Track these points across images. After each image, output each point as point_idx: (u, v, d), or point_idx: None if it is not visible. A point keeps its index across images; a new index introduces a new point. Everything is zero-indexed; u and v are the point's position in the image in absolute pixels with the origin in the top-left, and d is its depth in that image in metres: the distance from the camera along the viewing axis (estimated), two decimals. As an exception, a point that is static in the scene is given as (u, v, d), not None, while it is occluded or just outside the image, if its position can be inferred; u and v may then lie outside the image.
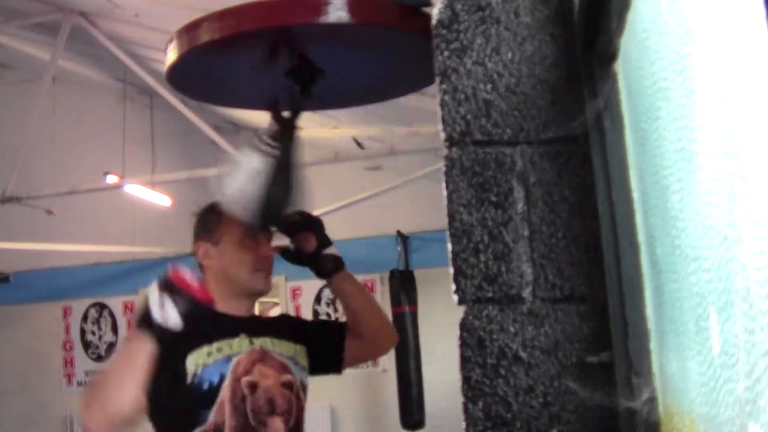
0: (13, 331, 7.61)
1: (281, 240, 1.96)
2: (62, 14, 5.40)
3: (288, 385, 1.83)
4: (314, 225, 1.97)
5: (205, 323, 1.74)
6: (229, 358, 1.77)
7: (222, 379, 1.74)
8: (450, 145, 1.03)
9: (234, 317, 1.85)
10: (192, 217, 1.97)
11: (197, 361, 1.73)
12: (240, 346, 1.80)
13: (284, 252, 1.96)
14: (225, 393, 1.73)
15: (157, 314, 1.57)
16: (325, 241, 1.96)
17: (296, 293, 7.09)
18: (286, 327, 1.98)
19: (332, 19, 1.53)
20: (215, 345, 1.76)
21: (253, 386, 1.77)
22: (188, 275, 1.62)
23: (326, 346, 1.97)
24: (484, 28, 1.05)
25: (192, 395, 1.72)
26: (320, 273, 1.97)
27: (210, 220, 1.90)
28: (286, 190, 1.74)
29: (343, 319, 2.04)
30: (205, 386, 1.72)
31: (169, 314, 1.57)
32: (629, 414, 0.87)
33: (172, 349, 1.61)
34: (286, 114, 1.76)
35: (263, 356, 1.82)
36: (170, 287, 1.60)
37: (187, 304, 1.58)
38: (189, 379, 1.72)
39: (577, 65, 1.00)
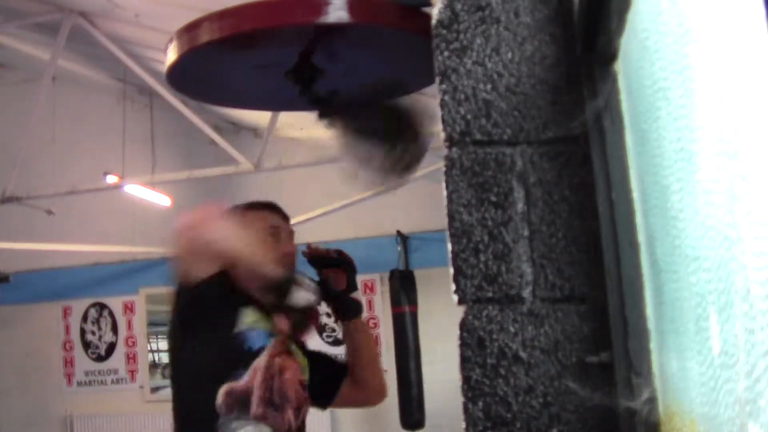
0: (13, 331, 7.61)
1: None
2: (62, 14, 5.40)
3: (303, 386, 1.87)
4: (348, 266, 2.01)
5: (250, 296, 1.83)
6: (270, 335, 1.82)
7: (262, 349, 1.78)
8: (450, 145, 1.03)
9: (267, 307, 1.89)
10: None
11: (247, 319, 1.79)
12: (275, 329, 1.84)
13: (313, 283, 1.98)
14: (261, 362, 1.77)
15: (296, 296, 1.76)
16: (354, 286, 2.01)
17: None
18: (299, 343, 2.02)
19: (332, 19, 1.53)
20: (262, 315, 1.81)
21: (282, 370, 1.81)
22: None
23: (323, 380, 1.99)
24: (484, 28, 1.05)
25: (233, 348, 1.76)
26: (340, 314, 2.03)
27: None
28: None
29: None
30: (246, 346, 1.77)
31: (300, 298, 1.78)
32: (629, 414, 0.87)
33: (232, 295, 1.75)
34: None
35: (288, 351, 1.86)
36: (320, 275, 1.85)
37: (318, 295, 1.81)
38: (235, 329, 1.77)
39: (577, 65, 1.00)
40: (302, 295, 1.83)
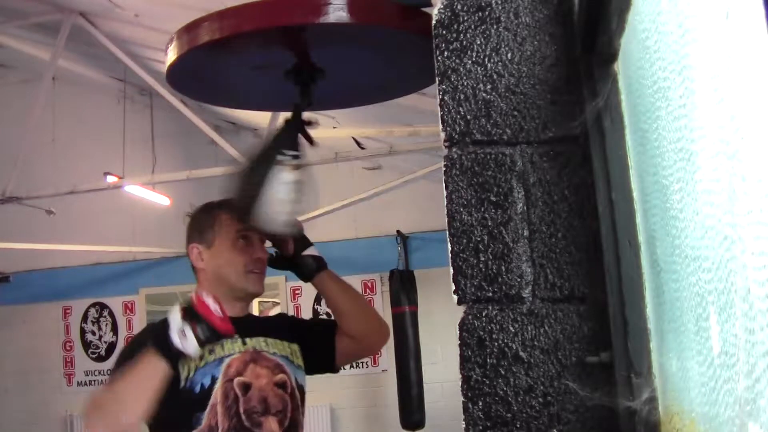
0: (13, 331, 7.61)
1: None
2: (62, 14, 5.40)
3: (281, 385, 1.83)
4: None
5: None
6: (221, 360, 1.77)
7: (214, 381, 1.74)
8: (450, 145, 1.03)
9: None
10: (185, 219, 1.98)
11: (189, 365, 1.74)
12: (232, 347, 1.80)
13: (268, 258, 1.96)
14: (217, 395, 1.73)
15: (177, 341, 1.63)
16: (304, 243, 1.96)
17: (296, 293, 7.09)
18: (281, 326, 1.98)
19: (332, 19, 1.53)
20: (207, 347, 1.75)
21: (246, 386, 1.77)
22: (212, 304, 1.66)
23: (318, 345, 1.96)
24: (484, 28, 1.05)
25: (185, 399, 1.72)
26: (302, 275, 1.98)
27: (203, 222, 1.91)
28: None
29: None
30: (197, 389, 1.73)
31: (189, 342, 1.63)
32: (629, 414, 0.87)
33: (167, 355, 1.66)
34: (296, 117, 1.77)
35: (256, 356, 1.82)
36: (193, 316, 1.64)
37: (207, 334, 1.64)
38: (182, 383, 1.72)
39: (577, 65, 1.00)
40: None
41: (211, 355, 1.76)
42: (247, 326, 1.87)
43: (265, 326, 1.95)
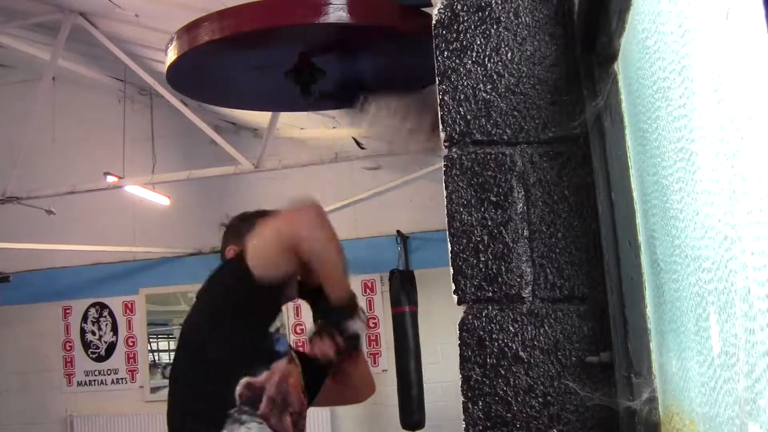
0: (13, 331, 7.60)
1: None
2: (62, 14, 5.39)
3: (304, 392, 1.92)
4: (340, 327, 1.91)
5: None
6: (288, 344, 1.90)
7: (284, 353, 1.84)
8: (450, 145, 1.03)
9: None
10: (221, 227, 2.06)
11: (279, 322, 1.85)
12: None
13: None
14: (281, 365, 1.82)
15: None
16: (353, 346, 1.92)
17: (296, 293, 7.08)
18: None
19: (332, 19, 1.53)
20: (284, 322, 1.86)
21: (289, 376, 1.85)
22: None
23: (306, 378, 1.99)
24: (484, 28, 1.05)
25: (266, 345, 1.81)
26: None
27: (239, 227, 1.98)
28: None
29: None
30: (276, 347, 1.83)
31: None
32: (629, 414, 0.87)
33: (276, 294, 1.78)
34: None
35: (291, 356, 1.91)
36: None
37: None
38: (272, 329, 1.82)
39: (577, 65, 1.00)
40: (356, 324, 1.83)
41: (284, 331, 1.89)
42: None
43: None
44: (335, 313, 1.83)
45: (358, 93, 1.70)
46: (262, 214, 1.96)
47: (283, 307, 1.94)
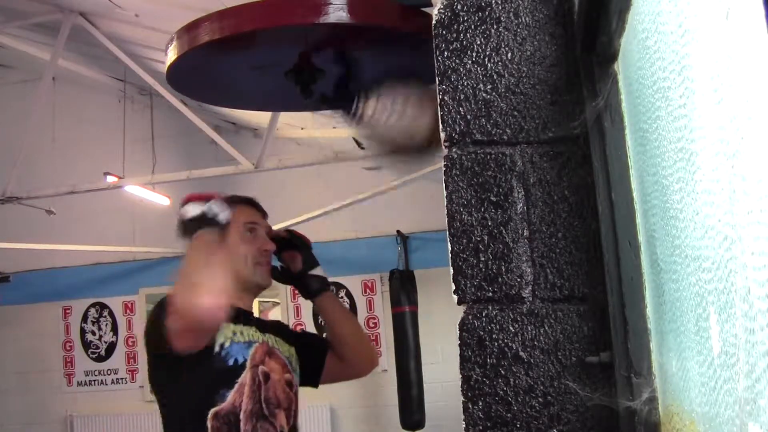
0: (13, 331, 7.60)
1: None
2: (62, 14, 5.39)
3: (289, 384, 1.86)
4: (301, 245, 2.01)
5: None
6: (249, 344, 1.79)
7: (243, 361, 1.76)
8: (450, 145, 1.03)
9: (244, 309, 1.87)
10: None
11: (225, 334, 1.74)
12: (254, 335, 1.82)
13: (272, 270, 1.97)
14: (246, 376, 1.75)
15: (210, 212, 1.67)
16: (312, 262, 2.00)
17: (296, 293, 7.08)
18: (284, 330, 2.02)
19: (332, 19, 1.53)
20: (237, 327, 1.78)
21: (266, 376, 1.80)
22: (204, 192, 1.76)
23: (308, 359, 1.99)
24: (484, 28, 1.05)
25: (215, 369, 1.72)
26: (305, 293, 2.03)
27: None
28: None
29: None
30: (231, 362, 1.74)
31: (220, 211, 1.69)
32: (629, 414, 0.87)
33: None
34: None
35: (270, 351, 1.84)
36: (206, 198, 1.71)
37: (219, 205, 1.70)
38: (216, 348, 1.72)
39: (577, 65, 1.00)
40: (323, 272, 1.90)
41: (241, 336, 1.78)
42: (258, 322, 1.90)
43: (272, 326, 1.97)
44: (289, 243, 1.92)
45: (355, 95, 1.70)
46: (234, 200, 1.86)
47: (255, 305, 1.87)
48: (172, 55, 1.63)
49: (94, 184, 6.04)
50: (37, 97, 5.71)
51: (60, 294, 7.59)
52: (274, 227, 2.00)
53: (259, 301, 8.65)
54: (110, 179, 6.15)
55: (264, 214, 1.95)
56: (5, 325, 7.59)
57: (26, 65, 7.24)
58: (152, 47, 5.40)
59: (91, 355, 7.58)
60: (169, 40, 1.65)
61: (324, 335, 2.15)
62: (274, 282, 1.99)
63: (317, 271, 2.00)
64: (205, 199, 1.70)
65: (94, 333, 7.62)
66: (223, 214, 1.69)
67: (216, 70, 1.78)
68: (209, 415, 1.69)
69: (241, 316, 1.83)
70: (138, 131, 7.10)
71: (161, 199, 6.74)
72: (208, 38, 1.56)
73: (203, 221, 1.68)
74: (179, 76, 1.77)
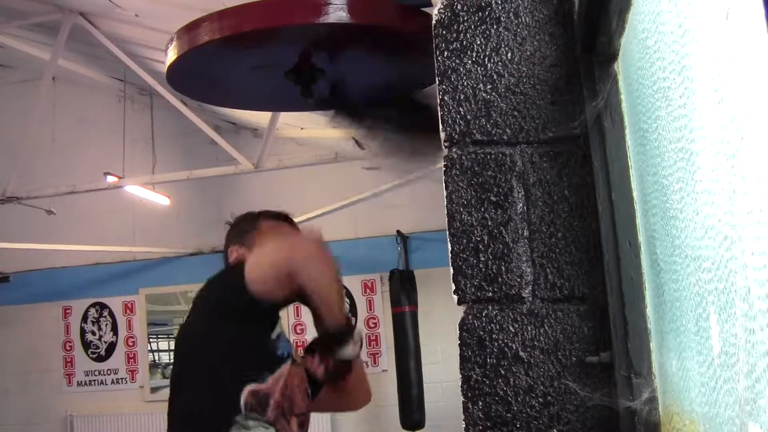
0: (13, 331, 7.60)
1: None
2: (62, 14, 5.39)
3: (306, 393, 1.90)
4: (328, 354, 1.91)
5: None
6: (290, 344, 1.89)
7: (288, 357, 1.84)
8: (450, 145, 1.03)
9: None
10: (225, 225, 2.05)
11: (280, 328, 1.86)
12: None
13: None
14: (285, 369, 1.82)
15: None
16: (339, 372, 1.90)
17: (296, 293, 7.08)
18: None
19: (332, 19, 1.53)
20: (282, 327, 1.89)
21: (292, 378, 1.85)
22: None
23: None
24: (484, 28, 1.05)
25: (267, 353, 1.81)
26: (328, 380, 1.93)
27: (243, 227, 1.99)
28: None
29: None
30: (279, 352, 1.83)
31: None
32: (629, 414, 0.87)
33: (275, 307, 1.82)
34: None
35: (294, 357, 1.89)
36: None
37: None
38: (273, 335, 1.82)
39: (577, 65, 1.00)
40: (348, 349, 1.83)
41: (286, 334, 1.89)
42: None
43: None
44: (329, 338, 1.84)
45: (356, 105, 1.72)
46: (266, 215, 1.98)
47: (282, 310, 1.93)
48: (172, 55, 1.63)
49: (94, 184, 6.04)
50: (37, 97, 5.71)
51: (60, 294, 7.59)
52: None
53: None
54: (110, 179, 6.15)
55: (296, 228, 2.05)
56: (5, 325, 7.59)
57: (26, 65, 7.24)
58: (152, 47, 5.40)
59: (91, 355, 7.58)
60: (169, 40, 1.65)
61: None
62: None
63: (346, 354, 1.86)
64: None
65: (94, 333, 7.62)
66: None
67: (216, 70, 1.78)
68: (247, 389, 1.75)
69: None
70: (138, 131, 7.10)
71: (161, 199, 6.74)
72: (208, 38, 1.56)
73: (261, 214, 1.87)
74: (179, 76, 1.77)
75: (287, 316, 6.92)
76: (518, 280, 0.99)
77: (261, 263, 1.76)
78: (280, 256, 1.78)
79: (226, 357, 1.80)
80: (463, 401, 0.98)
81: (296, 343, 6.24)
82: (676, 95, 0.63)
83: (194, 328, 1.89)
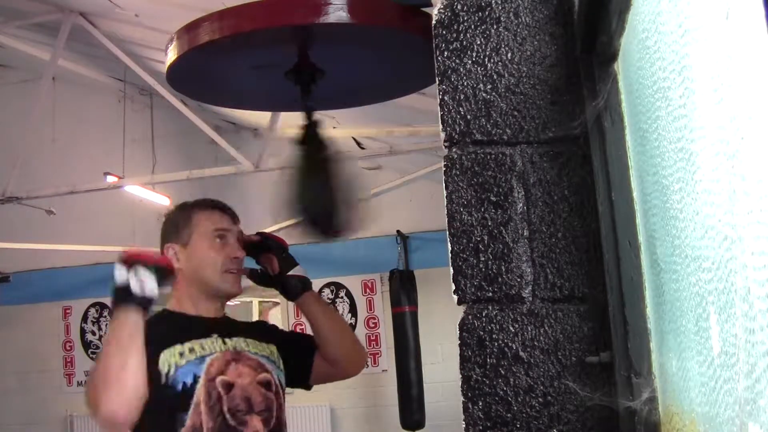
0: (13, 331, 7.61)
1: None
2: (62, 14, 5.40)
3: (265, 384, 1.81)
4: (275, 247, 1.96)
5: (175, 324, 1.77)
6: (202, 359, 1.74)
7: (196, 379, 1.71)
8: (450, 145, 1.03)
9: (205, 318, 1.83)
10: (160, 219, 1.94)
11: (169, 361, 1.70)
12: (213, 346, 1.78)
13: (252, 273, 1.96)
14: (200, 394, 1.70)
15: (134, 285, 1.61)
16: (289, 264, 1.96)
17: (296, 293, 7.08)
18: (260, 329, 1.99)
19: (332, 19, 1.53)
20: (187, 345, 1.73)
21: (229, 385, 1.74)
22: (141, 250, 1.69)
23: (295, 359, 1.95)
24: (484, 28, 1.05)
25: (167, 397, 1.68)
26: (287, 294, 1.99)
27: (178, 222, 1.87)
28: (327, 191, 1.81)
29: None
30: (179, 387, 1.69)
31: (144, 282, 1.62)
32: (629, 414, 0.87)
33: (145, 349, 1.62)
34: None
35: (237, 356, 1.80)
36: (133, 261, 1.63)
37: (155, 270, 1.64)
38: (163, 379, 1.68)
39: (577, 65, 1.00)
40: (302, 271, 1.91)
41: (192, 354, 1.74)
42: (226, 327, 1.86)
43: (244, 328, 1.93)
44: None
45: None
46: (199, 206, 1.88)
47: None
48: (172, 55, 1.63)
49: (94, 184, 6.04)
50: (37, 97, 5.71)
51: (60, 294, 7.59)
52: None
53: (260, 301, 8.65)
54: (110, 179, 6.15)
55: (235, 220, 1.90)
56: (5, 325, 7.59)
57: (26, 65, 7.24)
58: (152, 47, 5.40)
59: (91, 355, 7.58)
60: (169, 40, 1.65)
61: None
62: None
63: (297, 271, 1.96)
64: (139, 260, 1.63)
65: (94, 333, 7.62)
66: (147, 286, 1.62)
67: (216, 70, 1.78)
68: None
69: (197, 328, 1.79)
70: (138, 131, 7.10)
71: (161, 199, 6.74)
72: (208, 38, 1.56)
73: (124, 294, 1.61)
74: (179, 76, 1.77)
75: (287, 318, 6.92)
76: (518, 280, 0.99)
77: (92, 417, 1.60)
78: (97, 416, 1.57)
79: (138, 426, 1.67)
80: (463, 401, 0.98)
81: (294, 326, 6.24)
82: (676, 95, 0.63)
83: None
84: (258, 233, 1.98)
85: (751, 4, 0.42)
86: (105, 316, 7.59)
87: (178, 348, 1.73)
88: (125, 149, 6.59)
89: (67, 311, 7.64)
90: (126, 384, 1.57)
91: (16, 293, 7.56)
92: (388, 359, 6.50)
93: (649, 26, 0.71)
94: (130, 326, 1.61)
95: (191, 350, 1.74)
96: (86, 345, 7.61)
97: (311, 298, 1.98)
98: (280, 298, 7.15)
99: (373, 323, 6.83)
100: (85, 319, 7.62)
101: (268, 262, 1.96)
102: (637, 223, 0.88)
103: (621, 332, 0.89)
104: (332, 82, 1.79)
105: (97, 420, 1.59)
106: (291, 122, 6.35)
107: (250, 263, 1.93)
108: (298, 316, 6.96)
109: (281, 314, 7.08)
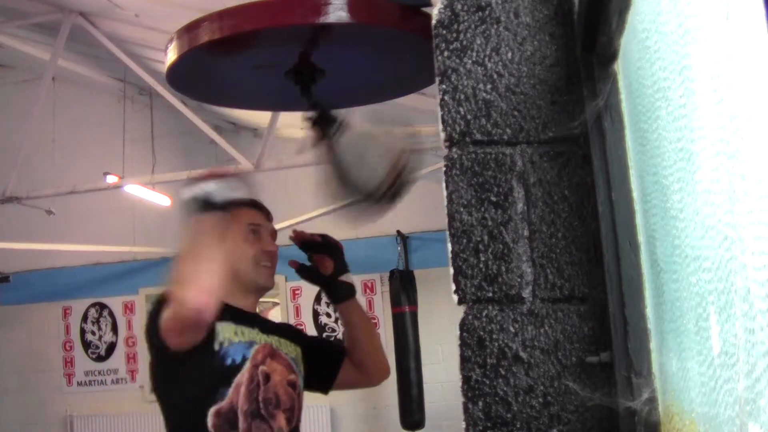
0: (13, 331, 7.61)
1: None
2: (62, 14, 5.40)
3: (293, 385, 1.86)
4: (334, 250, 2.01)
5: (227, 309, 1.79)
6: (251, 344, 1.80)
7: (244, 360, 1.77)
8: (450, 145, 1.03)
9: (246, 311, 1.87)
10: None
11: (225, 335, 1.75)
12: (257, 336, 1.83)
13: (301, 268, 2.00)
14: (244, 376, 1.75)
15: (206, 190, 1.62)
16: (342, 268, 2.00)
17: (296, 293, 7.09)
18: (290, 331, 2.02)
19: (332, 19, 1.53)
20: (239, 327, 1.79)
21: (267, 377, 1.80)
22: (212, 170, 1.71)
23: (321, 365, 1.99)
24: (484, 28, 1.05)
25: (214, 367, 1.73)
26: (333, 297, 2.04)
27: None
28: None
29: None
30: (228, 362, 1.74)
31: (217, 189, 1.63)
32: (629, 414, 0.87)
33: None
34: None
35: (273, 352, 1.85)
36: (206, 178, 1.65)
37: (222, 184, 1.64)
38: (216, 346, 1.73)
39: (577, 65, 1.00)
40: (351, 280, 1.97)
41: (243, 336, 1.79)
42: (263, 323, 1.91)
43: (276, 327, 1.98)
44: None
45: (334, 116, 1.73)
46: (236, 201, 1.81)
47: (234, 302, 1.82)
48: (171, 55, 1.63)
49: (94, 184, 6.04)
50: (37, 97, 5.71)
51: (60, 294, 7.59)
52: (275, 227, 2.00)
53: (260, 301, 8.64)
54: (110, 179, 6.15)
55: (269, 217, 1.95)
56: (5, 325, 7.59)
57: (26, 65, 7.24)
58: (152, 47, 5.40)
59: (91, 355, 7.58)
60: (169, 40, 1.65)
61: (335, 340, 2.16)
62: (276, 282, 1.99)
63: (347, 277, 2.01)
64: (214, 177, 1.65)
65: (94, 333, 7.62)
66: (222, 193, 1.62)
67: (216, 70, 1.78)
68: (210, 413, 1.70)
69: (242, 317, 1.83)
70: (138, 131, 7.10)
71: (161, 199, 6.74)
72: (208, 38, 1.56)
73: (200, 203, 1.62)
74: (179, 76, 1.77)
75: (287, 318, 6.92)
76: (518, 280, 0.99)
77: (167, 320, 1.64)
78: (182, 308, 1.61)
79: (175, 387, 1.75)
80: (463, 401, 0.98)
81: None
82: (676, 95, 0.63)
83: (151, 369, 1.84)
84: (320, 234, 2.02)
85: (751, 4, 0.42)
86: (105, 316, 7.60)
87: (233, 327, 1.78)
88: (125, 149, 6.59)
89: (67, 311, 7.64)
90: (213, 280, 1.60)
91: (16, 293, 7.56)
92: (388, 359, 6.50)
93: (650, 26, 0.71)
94: (207, 233, 1.64)
95: (242, 333, 1.80)
96: (86, 345, 7.61)
97: (355, 304, 2.04)
98: (280, 299, 7.16)
99: (373, 323, 6.83)
100: (84, 319, 7.62)
101: (321, 263, 2.00)
102: (637, 223, 0.88)
103: (621, 332, 0.89)
104: (332, 82, 1.78)
105: (182, 316, 1.61)
106: (291, 122, 6.36)
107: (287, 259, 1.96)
108: (297, 316, 6.96)
109: (281, 314, 7.08)
